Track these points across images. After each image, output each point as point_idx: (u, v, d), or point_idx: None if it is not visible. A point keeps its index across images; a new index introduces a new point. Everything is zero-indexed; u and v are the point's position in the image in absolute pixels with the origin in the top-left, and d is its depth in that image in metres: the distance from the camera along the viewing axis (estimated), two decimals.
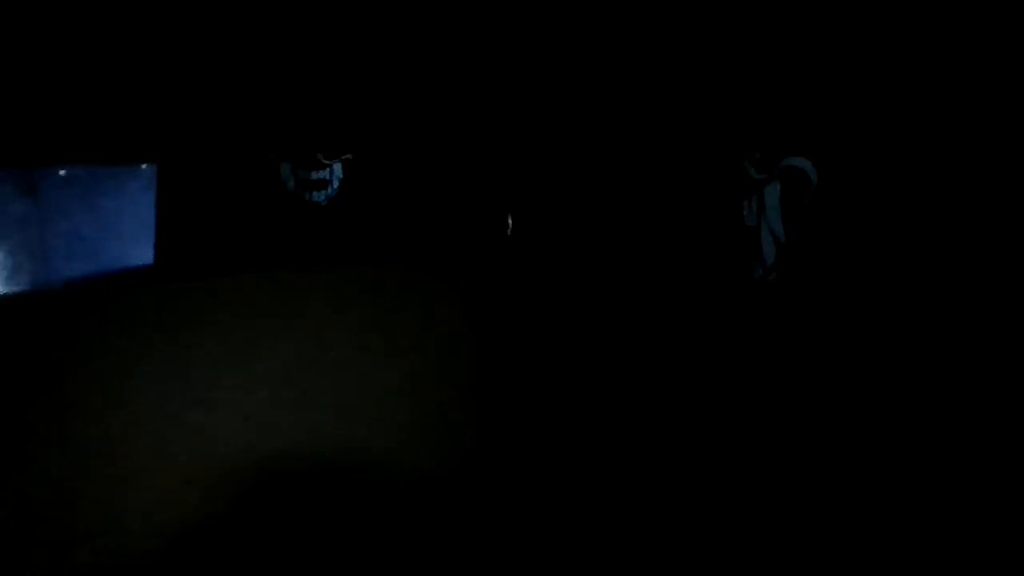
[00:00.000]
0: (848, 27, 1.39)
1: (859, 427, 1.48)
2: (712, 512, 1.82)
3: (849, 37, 1.40)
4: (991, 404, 1.27)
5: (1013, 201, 1.19)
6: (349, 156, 2.57)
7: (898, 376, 1.38)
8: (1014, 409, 1.24)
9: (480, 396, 2.42)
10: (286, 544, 2.10)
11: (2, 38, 2.08)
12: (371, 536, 2.19)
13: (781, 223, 1.50)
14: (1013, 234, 1.19)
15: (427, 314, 2.43)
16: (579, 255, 2.28)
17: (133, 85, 2.30)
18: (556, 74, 2.38)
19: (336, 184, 2.56)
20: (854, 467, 1.48)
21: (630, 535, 2.04)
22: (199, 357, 2.11)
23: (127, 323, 2.01)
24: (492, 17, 2.53)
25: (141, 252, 2.45)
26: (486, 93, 2.59)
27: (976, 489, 1.32)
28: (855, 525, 1.50)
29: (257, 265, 2.47)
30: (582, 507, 2.18)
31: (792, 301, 1.52)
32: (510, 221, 2.62)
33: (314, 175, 2.54)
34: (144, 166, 2.46)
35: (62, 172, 2.29)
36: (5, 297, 2.11)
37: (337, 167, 2.56)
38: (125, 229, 2.42)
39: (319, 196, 2.55)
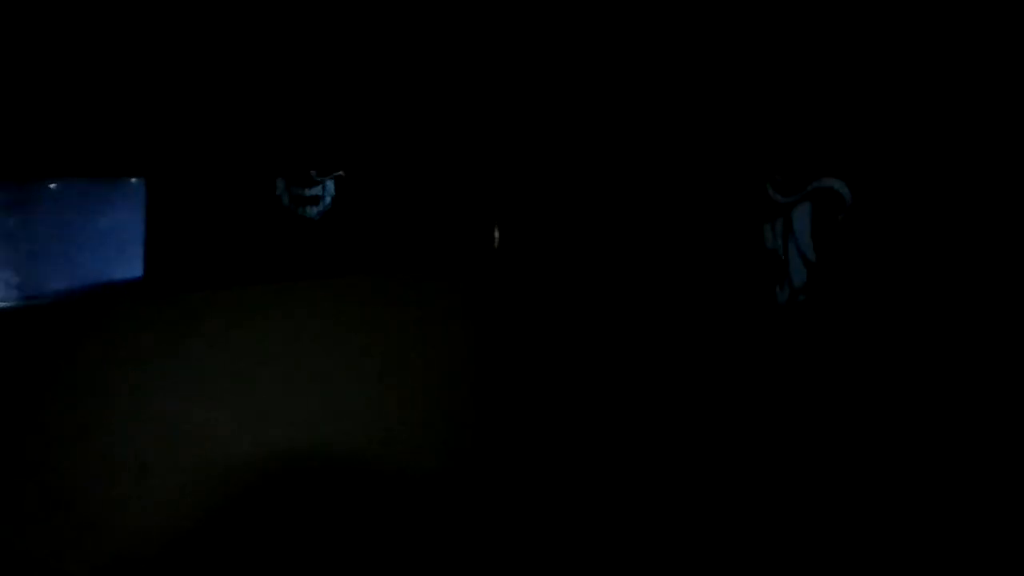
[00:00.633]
0: (867, 41, 1.44)
1: (891, 451, 1.50)
2: (715, 520, 1.84)
3: (870, 52, 1.45)
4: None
5: None
6: (341, 173, 2.58)
7: (931, 395, 1.42)
8: None
9: (479, 401, 2.43)
10: (277, 552, 2.08)
11: None
12: (366, 539, 2.18)
13: (812, 245, 1.54)
14: None
15: (421, 321, 2.45)
16: (583, 267, 2.30)
17: (123, 99, 2.26)
18: (560, 87, 2.41)
19: (329, 200, 2.57)
20: (883, 493, 1.51)
21: (632, 537, 2.06)
22: (191, 366, 2.09)
23: (116, 334, 2.00)
24: (487, 29, 2.55)
25: (129, 266, 2.42)
26: (482, 106, 2.61)
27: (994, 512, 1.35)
28: (874, 552, 1.53)
29: (249, 276, 2.46)
30: (582, 511, 2.19)
31: (823, 322, 1.56)
32: (497, 234, 2.65)
33: (307, 192, 2.55)
34: (133, 180, 2.44)
35: (52, 186, 2.24)
36: None
37: (330, 184, 2.57)
38: (113, 243, 2.39)
39: (312, 212, 2.56)
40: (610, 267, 2.18)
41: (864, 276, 1.44)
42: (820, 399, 1.57)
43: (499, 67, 2.58)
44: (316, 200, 2.56)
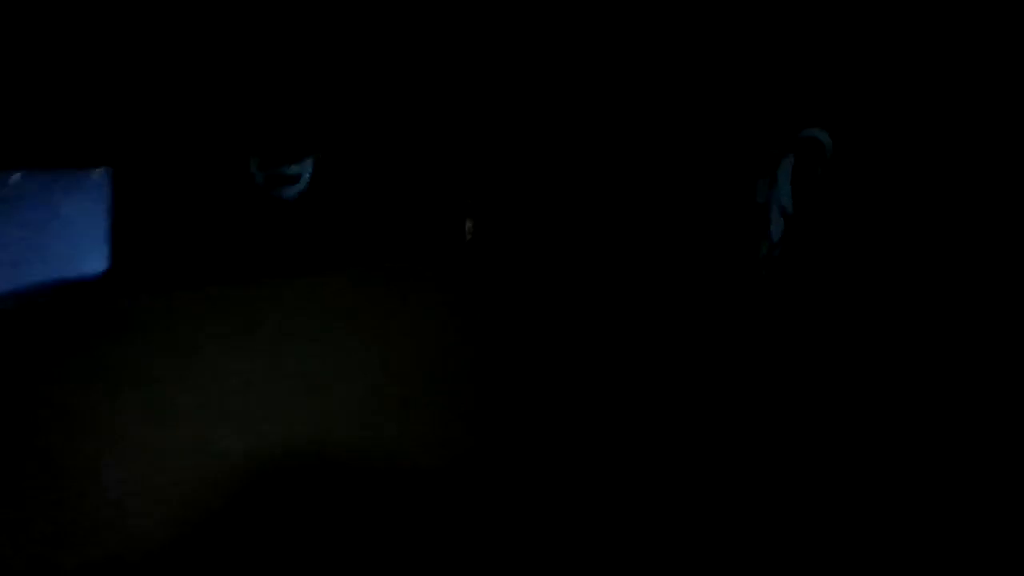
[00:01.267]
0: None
1: (862, 414, 1.49)
2: (713, 502, 1.83)
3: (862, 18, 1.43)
4: (996, 393, 1.28)
5: None
6: (316, 156, 2.55)
7: (901, 358, 1.41)
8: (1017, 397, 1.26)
9: (467, 394, 2.41)
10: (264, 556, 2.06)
11: None
12: (357, 540, 2.16)
13: (791, 196, 1.53)
14: None
15: (405, 315, 2.43)
16: (576, 236, 2.27)
17: (84, 87, 2.21)
18: (540, 58, 2.37)
19: (304, 183, 2.54)
20: (857, 454, 1.50)
21: (626, 527, 2.05)
22: (169, 365, 2.05)
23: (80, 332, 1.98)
24: (467, 16, 2.51)
25: (95, 259, 2.38)
26: (457, 98, 2.58)
27: (979, 485, 1.34)
28: (855, 517, 1.52)
29: (224, 268, 2.42)
30: (576, 502, 2.18)
31: (795, 279, 1.55)
32: (470, 226, 2.63)
33: (283, 171, 2.51)
34: (97, 170, 2.39)
35: (15, 177, 2.20)
36: None
37: (306, 165, 2.54)
38: (78, 236, 2.35)
39: (289, 193, 2.52)
40: (612, 239, 2.14)
41: (839, 229, 1.44)
42: (794, 358, 1.55)
43: (471, 59, 2.53)
44: (294, 180, 2.53)
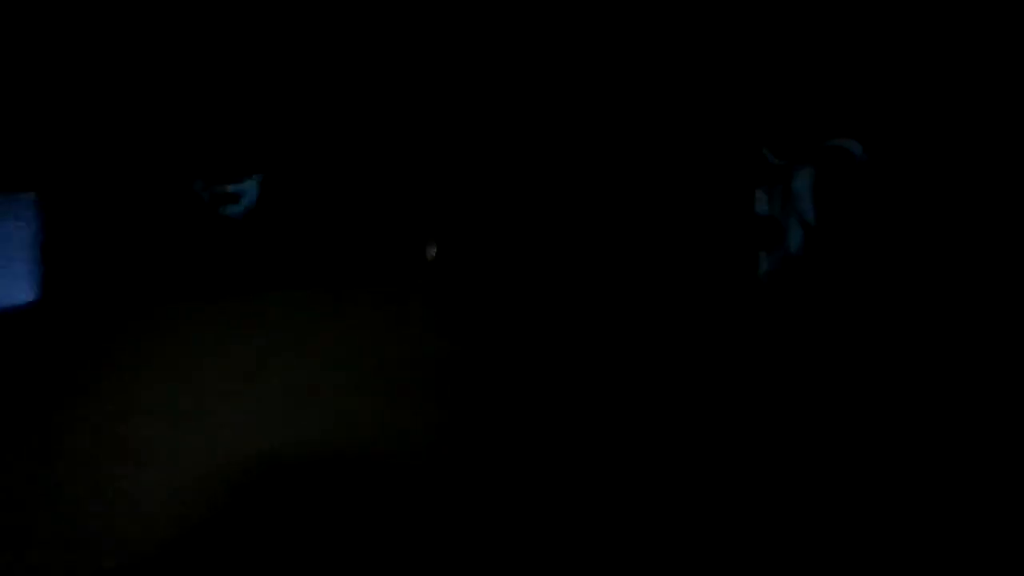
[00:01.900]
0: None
1: (879, 425, 1.49)
2: (713, 502, 1.83)
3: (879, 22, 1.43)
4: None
5: None
6: (260, 176, 2.43)
7: (926, 366, 1.41)
8: None
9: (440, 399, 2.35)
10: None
11: None
12: (345, 542, 2.09)
13: (812, 208, 1.52)
14: None
15: (355, 332, 2.35)
16: (562, 243, 2.21)
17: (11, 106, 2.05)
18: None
19: (251, 200, 2.41)
20: (873, 463, 1.50)
21: (619, 525, 2.03)
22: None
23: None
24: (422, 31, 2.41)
25: (22, 288, 2.23)
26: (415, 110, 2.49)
27: (981, 492, 1.36)
28: (861, 524, 1.54)
29: (165, 291, 2.29)
30: (565, 510, 2.14)
31: (818, 290, 1.54)
32: (433, 250, 2.55)
33: (229, 188, 2.38)
34: (23, 195, 2.24)
35: None
36: None
37: (251, 183, 2.41)
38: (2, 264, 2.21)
39: (235, 210, 2.39)
40: (597, 242, 2.08)
41: (870, 240, 1.43)
42: (806, 371, 1.54)
43: (431, 72, 2.44)
44: (237, 198, 2.40)
